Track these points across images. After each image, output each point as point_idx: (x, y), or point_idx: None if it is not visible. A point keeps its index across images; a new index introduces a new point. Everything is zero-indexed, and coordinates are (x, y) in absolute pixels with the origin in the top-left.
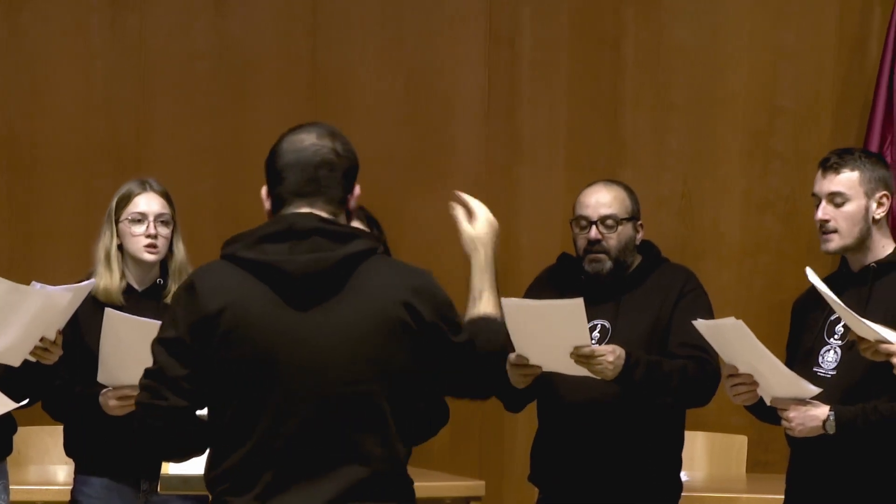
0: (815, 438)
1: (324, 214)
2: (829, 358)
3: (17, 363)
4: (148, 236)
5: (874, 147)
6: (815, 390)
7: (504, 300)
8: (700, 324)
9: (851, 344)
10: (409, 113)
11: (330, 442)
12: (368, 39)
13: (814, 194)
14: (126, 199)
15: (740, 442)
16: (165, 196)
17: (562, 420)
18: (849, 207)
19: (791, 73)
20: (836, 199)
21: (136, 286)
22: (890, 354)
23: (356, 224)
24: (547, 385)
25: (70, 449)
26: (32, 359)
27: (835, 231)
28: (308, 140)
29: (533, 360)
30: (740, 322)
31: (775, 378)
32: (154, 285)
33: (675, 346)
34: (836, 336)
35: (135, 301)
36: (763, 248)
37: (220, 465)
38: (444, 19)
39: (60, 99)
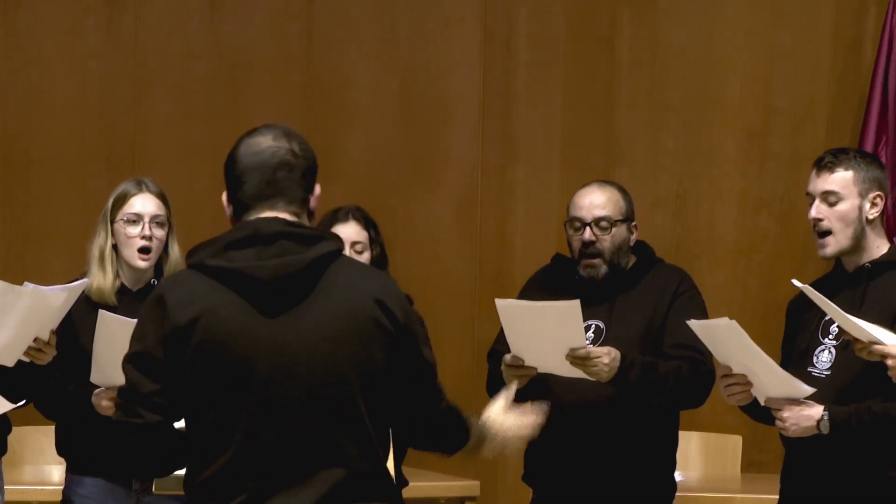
0: (809, 438)
1: (287, 217)
2: (824, 358)
3: (11, 363)
4: (143, 237)
5: (869, 147)
6: (809, 390)
7: (499, 301)
8: (694, 324)
9: (846, 344)
10: (404, 113)
11: (309, 446)
12: (364, 39)
13: (808, 193)
14: (122, 200)
15: (735, 442)
16: (161, 197)
17: (556, 420)
18: (842, 207)
19: (786, 74)
20: (830, 198)
21: (129, 286)
22: (884, 356)
23: (350, 226)
24: (541, 386)
25: (62, 448)
26: (26, 359)
27: (829, 232)
28: (265, 143)
29: (528, 362)
30: (734, 322)
31: (769, 378)
32: (148, 286)
33: (670, 347)
34: (830, 336)
35: (128, 301)
36: (758, 248)
37: (200, 474)
38: (439, 20)
39: (56, 99)
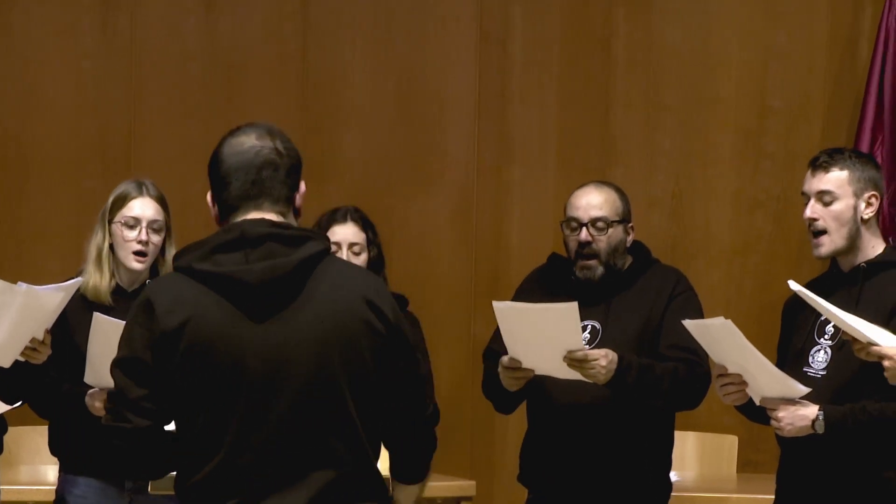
0: (804, 438)
1: (274, 217)
2: (820, 358)
3: (7, 364)
4: (139, 242)
5: (864, 147)
6: (805, 390)
7: (496, 303)
8: (689, 323)
9: (842, 344)
10: (400, 113)
11: (299, 448)
12: (359, 40)
13: (803, 193)
14: (121, 202)
15: (731, 442)
16: (161, 201)
17: (551, 420)
18: (837, 206)
19: (782, 73)
20: (825, 197)
21: (125, 286)
22: (881, 356)
23: (348, 227)
24: (537, 386)
25: (55, 448)
26: (22, 359)
27: (824, 231)
28: (248, 142)
29: (525, 364)
30: (729, 322)
31: (764, 378)
32: (143, 286)
33: (666, 349)
34: (826, 336)
35: (123, 301)
36: (754, 248)
37: (190, 477)
38: (435, 20)
39: (51, 99)
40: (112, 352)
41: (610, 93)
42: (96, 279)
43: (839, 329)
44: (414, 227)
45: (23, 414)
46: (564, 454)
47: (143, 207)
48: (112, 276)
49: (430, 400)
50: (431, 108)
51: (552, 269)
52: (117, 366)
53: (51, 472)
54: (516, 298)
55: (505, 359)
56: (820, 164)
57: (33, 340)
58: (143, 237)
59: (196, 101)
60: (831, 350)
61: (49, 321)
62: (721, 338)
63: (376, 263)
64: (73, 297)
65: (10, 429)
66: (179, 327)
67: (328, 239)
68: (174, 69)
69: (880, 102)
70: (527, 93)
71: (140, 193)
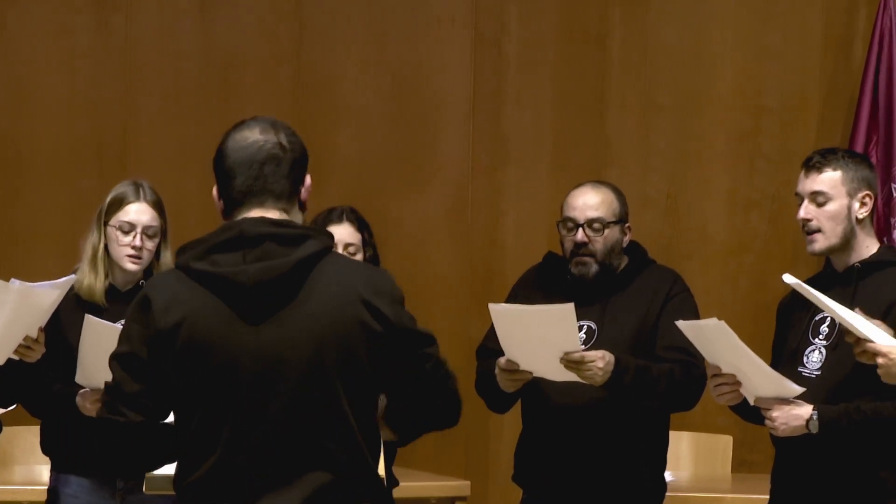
0: (799, 438)
1: (275, 215)
2: (814, 358)
3: (0, 362)
4: (133, 247)
5: (859, 147)
6: (799, 390)
7: (492, 305)
8: (682, 324)
9: (836, 344)
10: (394, 113)
11: (294, 450)
12: (354, 40)
13: (797, 194)
14: (118, 204)
15: (725, 442)
16: (157, 206)
17: (546, 420)
18: (831, 207)
19: (777, 73)
20: (819, 198)
21: (119, 287)
22: (875, 353)
23: (344, 227)
24: (533, 387)
25: (47, 447)
26: (16, 357)
27: (818, 231)
28: (251, 137)
29: (523, 366)
30: (722, 322)
31: (758, 378)
32: (137, 286)
33: (662, 350)
34: (820, 336)
35: (117, 301)
36: (748, 248)
37: (189, 475)
38: (429, 20)
39: (46, 99)
40: (103, 353)
41: (605, 93)
42: (91, 279)
43: (833, 329)
44: (409, 227)
45: (17, 414)
46: (560, 454)
47: (138, 213)
48: (106, 276)
49: (448, 376)
50: (426, 109)
51: (548, 269)
52: (115, 359)
53: (45, 471)
54: (512, 297)
55: (502, 360)
56: (813, 164)
57: (27, 339)
58: (138, 243)
59: (191, 100)
60: (826, 350)
61: (43, 319)
62: (715, 338)
63: (371, 264)
64: (65, 296)
65: (5, 429)
66: (175, 327)
67: (330, 236)
68: (169, 69)
69: (875, 102)
70: (522, 93)
71: (137, 198)
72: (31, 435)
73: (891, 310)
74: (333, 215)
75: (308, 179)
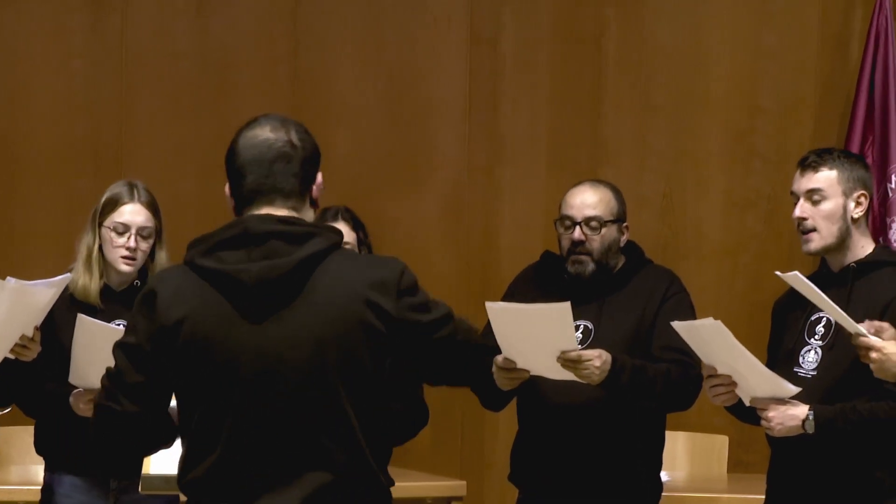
0: (794, 438)
1: (283, 213)
2: (810, 358)
3: None
4: (127, 249)
5: (855, 147)
6: (795, 390)
7: (489, 304)
8: (678, 325)
9: (832, 344)
10: (390, 113)
11: (293, 449)
12: (350, 40)
13: (792, 192)
14: (112, 205)
15: (721, 442)
16: (152, 207)
17: (542, 420)
18: (826, 206)
19: (773, 73)
20: (814, 196)
21: (113, 287)
22: (868, 347)
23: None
24: (530, 386)
25: (41, 447)
26: (11, 356)
27: (813, 230)
28: (262, 135)
29: (520, 364)
30: (718, 322)
31: (754, 378)
32: (131, 286)
33: (659, 350)
34: (816, 336)
35: (111, 301)
36: (744, 248)
37: (191, 471)
38: (425, 20)
39: (42, 99)
40: (97, 353)
41: (600, 93)
42: (85, 280)
43: (829, 329)
44: (405, 227)
45: (12, 413)
46: (556, 454)
47: (133, 214)
48: (101, 276)
49: (468, 335)
50: (422, 109)
51: (545, 267)
52: (120, 348)
53: (41, 471)
54: (509, 296)
55: (499, 359)
56: (809, 163)
57: (23, 338)
58: (132, 244)
59: (187, 101)
60: (822, 350)
61: (39, 318)
62: (711, 339)
63: None
64: (60, 296)
65: (0, 429)
66: (177, 323)
67: (338, 233)
68: (165, 69)
69: (871, 102)
70: (517, 93)
71: (131, 199)
72: (26, 435)
73: (887, 310)
74: (328, 215)
75: (320, 177)
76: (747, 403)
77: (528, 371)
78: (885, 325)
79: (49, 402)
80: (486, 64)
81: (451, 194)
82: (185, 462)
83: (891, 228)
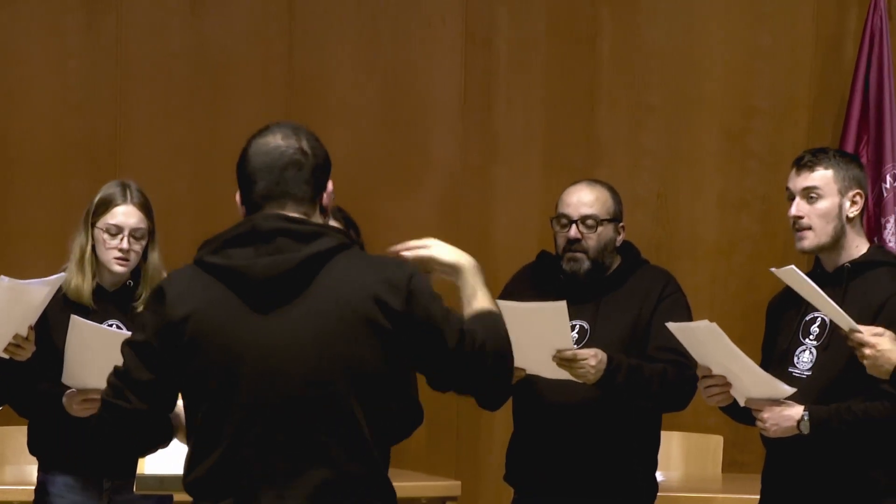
0: (789, 438)
1: (292, 214)
2: (805, 358)
3: None
4: (119, 250)
5: (850, 147)
6: (790, 390)
7: None
8: (673, 327)
9: (827, 344)
10: (385, 113)
11: (296, 446)
12: (345, 40)
13: (787, 189)
14: (105, 206)
15: (716, 442)
16: (145, 207)
17: (538, 420)
18: (822, 204)
19: (767, 73)
20: (810, 194)
21: (106, 287)
22: (861, 343)
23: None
24: (525, 385)
25: (34, 447)
26: (5, 356)
27: (808, 228)
28: (273, 142)
29: (516, 363)
30: (713, 324)
31: (749, 379)
32: (124, 287)
33: (654, 350)
34: (811, 336)
35: (104, 302)
36: (739, 249)
37: (195, 468)
38: (420, 20)
39: (36, 99)
40: (90, 354)
41: (595, 92)
42: (78, 280)
43: (824, 329)
44: (400, 227)
45: (7, 414)
46: (552, 453)
47: (126, 215)
48: (94, 277)
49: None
50: (417, 108)
51: (541, 267)
52: (129, 345)
53: (34, 471)
54: (505, 295)
55: None
56: (805, 163)
57: (17, 337)
58: (125, 245)
59: (182, 101)
60: (816, 350)
61: (33, 317)
62: (705, 340)
63: None
64: (53, 297)
65: None
66: (184, 319)
67: (346, 234)
68: (160, 69)
69: (865, 102)
70: (512, 93)
71: (124, 200)
72: (21, 435)
73: (881, 310)
74: None
75: (330, 185)
76: (742, 404)
77: (524, 370)
78: (881, 330)
79: (42, 402)
80: (480, 64)
81: (447, 194)
82: (190, 460)
83: (885, 228)
